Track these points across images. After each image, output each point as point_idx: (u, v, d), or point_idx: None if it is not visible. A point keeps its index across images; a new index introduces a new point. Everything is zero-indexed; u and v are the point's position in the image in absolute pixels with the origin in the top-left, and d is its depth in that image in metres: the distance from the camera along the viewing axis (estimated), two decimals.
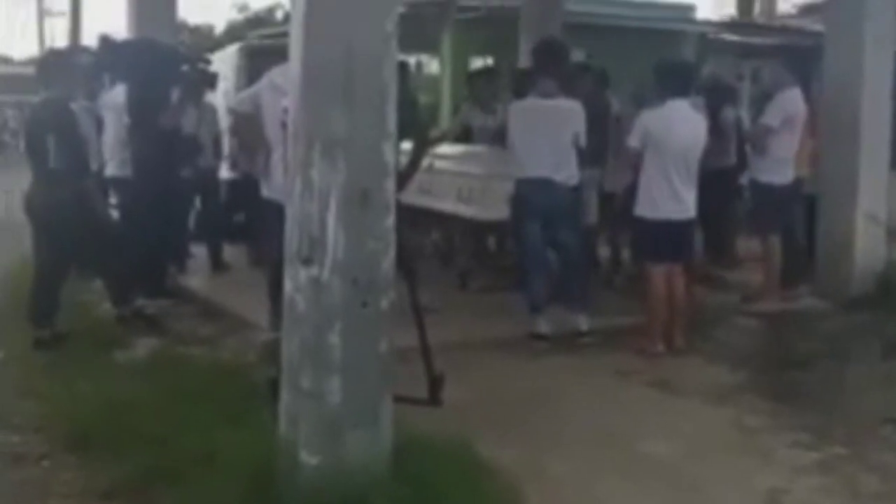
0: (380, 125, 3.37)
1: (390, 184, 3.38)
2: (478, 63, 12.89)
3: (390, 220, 3.38)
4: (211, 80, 7.75)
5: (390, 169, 3.39)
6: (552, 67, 5.64)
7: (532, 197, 5.52)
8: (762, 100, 7.35)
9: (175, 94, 6.71)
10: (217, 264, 7.60)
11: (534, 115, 5.55)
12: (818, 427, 4.28)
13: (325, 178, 3.29)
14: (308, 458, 3.27)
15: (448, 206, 6.80)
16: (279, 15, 19.76)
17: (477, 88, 7.77)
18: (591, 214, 6.68)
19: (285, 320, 3.44)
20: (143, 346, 5.34)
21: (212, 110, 7.58)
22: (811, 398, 4.80)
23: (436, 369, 4.19)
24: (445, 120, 11.83)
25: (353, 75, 3.32)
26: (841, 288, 6.68)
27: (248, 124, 5.18)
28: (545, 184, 5.46)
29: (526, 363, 5.17)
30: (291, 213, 3.42)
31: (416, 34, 11.20)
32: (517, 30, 10.19)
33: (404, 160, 4.87)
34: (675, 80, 5.45)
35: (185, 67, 7.02)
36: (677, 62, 6.09)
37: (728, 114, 7.80)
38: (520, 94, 6.17)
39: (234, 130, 6.38)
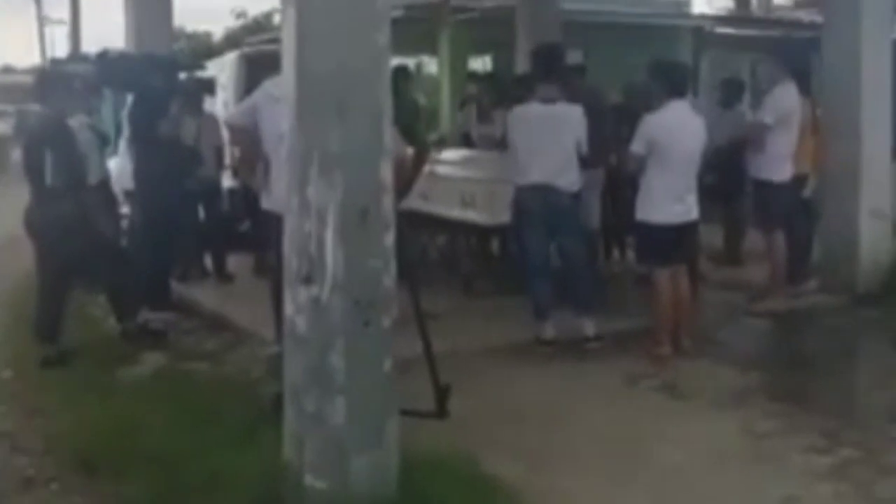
0: (376, 141, 3.28)
1: (388, 200, 3.29)
2: (476, 63, 12.79)
3: (390, 237, 3.29)
4: (208, 87, 7.62)
5: (388, 185, 3.30)
6: (551, 72, 5.54)
7: (534, 203, 5.42)
8: (759, 95, 7.23)
9: (174, 105, 6.61)
10: (221, 274, 7.51)
11: (535, 120, 5.44)
12: (830, 429, 4.17)
13: (322, 196, 3.21)
14: (313, 482, 3.18)
15: (452, 211, 6.69)
16: (277, 20, 19.60)
17: (474, 96, 7.66)
18: (594, 217, 6.56)
19: (286, 342, 3.35)
20: (149, 363, 5.25)
21: (213, 120, 7.48)
22: (822, 399, 4.70)
23: (441, 381, 4.10)
24: (446, 120, 11.74)
25: (348, 92, 3.24)
26: (848, 283, 6.56)
27: (244, 137, 5.08)
28: (547, 190, 5.36)
29: (532, 370, 5.07)
30: (289, 232, 3.33)
31: (413, 36, 11.11)
32: (514, 28, 10.09)
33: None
34: (674, 82, 5.33)
35: (182, 75, 6.92)
36: (674, 63, 5.95)
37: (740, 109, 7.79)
38: (519, 99, 6.05)
39: (234, 141, 6.29)
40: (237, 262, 7.62)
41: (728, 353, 5.47)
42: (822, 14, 7.28)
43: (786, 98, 6.33)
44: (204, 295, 6.94)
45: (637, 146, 5.26)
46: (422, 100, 10.33)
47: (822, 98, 6.92)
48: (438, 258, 7.64)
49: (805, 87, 6.64)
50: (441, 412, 4.09)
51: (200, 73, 7.56)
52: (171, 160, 6.38)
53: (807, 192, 6.74)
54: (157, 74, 6.35)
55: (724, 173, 7.33)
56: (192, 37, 22.36)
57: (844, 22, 6.73)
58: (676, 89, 5.29)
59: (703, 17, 14.27)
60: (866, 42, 6.65)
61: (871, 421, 4.47)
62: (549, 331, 5.41)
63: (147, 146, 6.34)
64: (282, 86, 3.56)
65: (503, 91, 7.43)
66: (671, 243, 5.21)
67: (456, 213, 6.67)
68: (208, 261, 7.62)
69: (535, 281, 5.49)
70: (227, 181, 7.80)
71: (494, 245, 7.48)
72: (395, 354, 3.32)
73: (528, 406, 4.49)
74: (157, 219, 6.33)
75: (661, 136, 5.17)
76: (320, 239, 3.18)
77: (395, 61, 7.21)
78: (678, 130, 5.20)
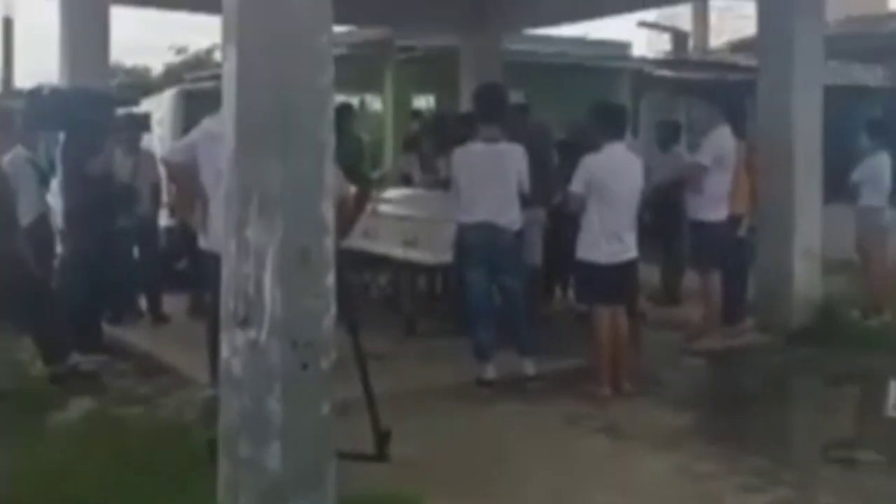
0: (317, 181, 3.30)
1: (329, 241, 3.30)
2: (420, 102, 12.93)
3: (330, 278, 3.29)
4: (142, 123, 7.57)
5: (329, 225, 3.31)
6: (494, 112, 5.65)
7: (475, 241, 5.50)
8: (696, 137, 7.45)
9: (108, 142, 6.53)
10: (156, 315, 7.39)
11: (478, 160, 5.54)
12: (766, 469, 4.25)
13: (261, 236, 3.20)
14: None
15: (394, 250, 6.73)
16: (218, 56, 19.47)
17: (417, 140, 7.74)
18: (536, 254, 6.65)
19: (222, 385, 3.32)
20: (79, 408, 5.10)
21: (150, 157, 7.41)
22: (758, 438, 4.80)
23: (382, 423, 4.09)
24: (389, 158, 11.82)
25: (290, 131, 3.25)
26: (782, 322, 6.75)
27: (182, 174, 5.05)
28: (489, 228, 5.45)
29: (474, 412, 5.09)
30: (227, 274, 3.31)
31: (358, 73, 11.21)
32: (457, 68, 10.24)
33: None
34: (611, 124, 5.49)
35: (119, 111, 6.86)
36: (613, 105, 6.10)
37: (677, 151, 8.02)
38: (462, 138, 6.14)
39: (171, 178, 6.24)
40: (173, 303, 7.50)
41: (667, 393, 5.57)
42: (757, 60, 7.52)
43: (721, 141, 6.52)
44: (138, 337, 6.82)
45: (577, 186, 5.39)
46: (365, 137, 10.39)
47: (757, 140, 7.15)
48: (381, 298, 7.64)
49: (740, 130, 6.86)
50: (381, 455, 4.07)
51: (135, 109, 7.50)
52: (103, 198, 6.29)
53: (741, 232, 6.93)
54: (90, 110, 6.27)
55: (663, 213, 7.53)
56: (131, 72, 22.08)
57: (777, 66, 7.00)
58: (615, 131, 5.45)
59: (642, 60, 14.65)
60: (797, 87, 6.92)
61: (807, 458, 4.59)
62: (489, 371, 5.45)
63: (78, 183, 6.24)
64: (222, 123, 3.58)
65: (447, 137, 7.53)
66: (610, 282, 5.31)
67: (398, 252, 6.70)
68: (143, 301, 7.51)
69: (477, 321, 5.53)
70: (164, 219, 7.71)
71: (437, 284, 7.52)
72: (335, 396, 3.31)
73: (469, 448, 4.50)
74: (88, 258, 6.22)
75: (600, 177, 5.30)
76: (259, 280, 3.18)
77: (339, 98, 7.27)
78: (616, 171, 5.34)
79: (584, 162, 5.41)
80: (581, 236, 5.40)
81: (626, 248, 5.38)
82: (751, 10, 7.95)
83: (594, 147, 5.45)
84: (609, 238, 5.30)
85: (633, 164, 5.48)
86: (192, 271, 7.20)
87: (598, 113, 5.62)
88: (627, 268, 5.42)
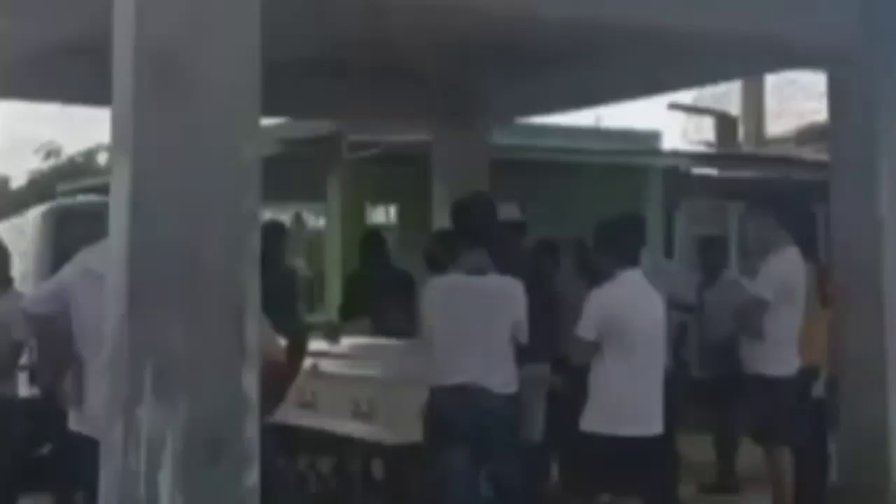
0: (235, 342, 3.33)
1: (252, 425, 3.31)
2: (378, 216, 13.13)
3: (252, 476, 3.30)
4: None
5: (251, 403, 3.34)
6: (480, 233, 5.76)
7: (455, 412, 5.50)
8: (749, 257, 7.56)
9: None
10: None
11: (458, 297, 5.63)
12: None
13: (157, 420, 3.23)
14: None
15: (340, 425, 6.70)
16: (101, 159, 19.63)
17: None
18: (535, 428, 6.64)
19: None
20: None
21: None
22: None
23: None
24: (335, 295, 11.86)
25: (199, 273, 3.32)
26: None
27: (47, 329, 5.06)
28: (474, 393, 5.47)
29: None
30: (108, 471, 3.30)
31: (293, 180, 11.38)
32: (428, 171, 10.44)
33: None
34: (624, 244, 5.59)
35: None
36: (623, 218, 6.18)
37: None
38: (437, 266, 6.22)
39: (34, 332, 6.26)
40: None
41: None
42: (830, 155, 7.66)
43: (787, 265, 6.62)
44: None
45: (585, 330, 5.43)
46: (301, 267, 10.49)
47: (834, 262, 7.25)
48: (322, 492, 7.56)
49: (811, 249, 6.96)
50: None
51: None
52: None
53: (818, 391, 6.96)
54: None
55: (717, 366, 7.60)
56: None
57: (857, 167, 7.10)
58: (629, 254, 5.54)
59: (677, 154, 15.03)
60: (888, 188, 7.00)
61: None
62: None
63: None
64: (107, 257, 3.62)
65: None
66: (628, 465, 5.27)
67: (347, 427, 6.67)
68: None
69: None
70: (22, 388, 7.66)
71: (401, 473, 7.45)
72: None
73: None
74: None
75: (619, 315, 5.36)
76: (151, 482, 3.18)
77: (265, 215, 7.37)
78: (636, 308, 5.42)
79: (594, 296, 5.48)
80: (591, 400, 5.41)
81: (650, 415, 5.40)
82: (821, 85, 8.02)
83: (603, 276, 5.54)
84: (628, 402, 5.31)
85: (653, 298, 5.56)
86: (60, 461, 7.13)
87: (605, 231, 5.76)
88: (651, 445, 5.41)
